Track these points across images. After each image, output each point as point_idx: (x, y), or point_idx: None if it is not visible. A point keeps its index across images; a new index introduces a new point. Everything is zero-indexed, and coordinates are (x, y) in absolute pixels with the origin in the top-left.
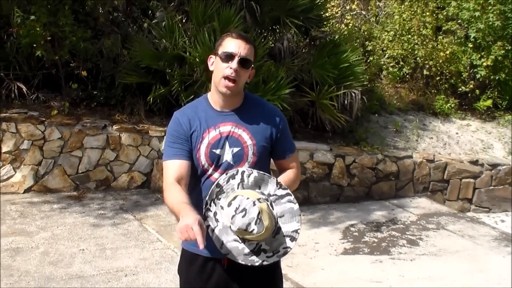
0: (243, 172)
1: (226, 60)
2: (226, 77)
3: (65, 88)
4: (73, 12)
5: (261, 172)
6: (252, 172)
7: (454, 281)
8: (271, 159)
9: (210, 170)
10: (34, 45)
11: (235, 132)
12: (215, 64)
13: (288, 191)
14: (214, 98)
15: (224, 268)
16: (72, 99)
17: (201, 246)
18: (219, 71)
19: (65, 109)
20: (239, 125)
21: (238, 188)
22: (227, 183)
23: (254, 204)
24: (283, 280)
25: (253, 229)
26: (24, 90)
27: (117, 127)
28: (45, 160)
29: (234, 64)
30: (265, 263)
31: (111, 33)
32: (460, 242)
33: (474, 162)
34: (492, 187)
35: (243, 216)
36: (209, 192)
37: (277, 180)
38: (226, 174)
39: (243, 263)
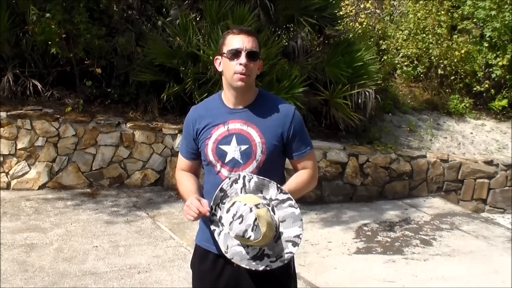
0: (244, 177)
1: (233, 57)
2: (237, 73)
3: (80, 86)
4: (87, 10)
5: (260, 177)
6: (252, 177)
7: (468, 282)
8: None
9: (218, 167)
10: (49, 42)
11: (243, 130)
12: (223, 64)
13: (289, 195)
14: (226, 95)
15: (234, 266)
16: (86, 96)
17: (192, 215)
18: (229, 69)
19: (79, 106)
20: (249, 123)
21: (241, 193)
22: (230, 187)
23: (251, 211)
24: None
25: (250, 236)
26: (39, 87)
27: (131, 124)
28: (59, 157)
29: (242, 59)
30: (268, 268)
31: (125, 31)
32: (474, 243)
33: (489, 162)
34: (507, 188)
35: (240, 223)
36: (214, 197)
37: (277, 184)
38: (229, 178)
39: (247, 267)
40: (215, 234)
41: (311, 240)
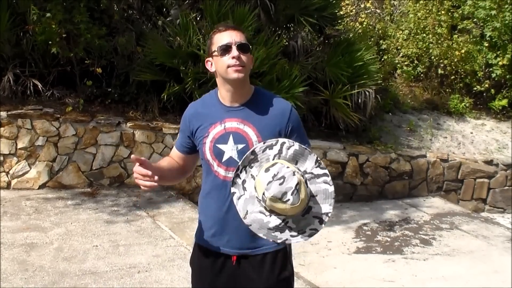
0: (283, 143)
1: (224, 53)
2: (231, 66)
3: (80, 85)
4: (88, 10)
5: (302, 146)
6: (293, 145)
7: (468, 281)
8: None
9: (215, 166)
10: (50, 42)
11: (240, 128)
12: (215, 63)
13: (326, 171)
14: (222, 94)
15: (233, 264)
16: (87, 96)
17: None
18: (222, 65)
19: (80, 106)
20: (245, 121)
21: (273, 159)
22: (262, 152)
23: (294, 174)
24: (295, 278)
25: (288, 199)
26: (39, 87)
27: (131, 124)
28: (59, 156)
29: (234, 52)
30: (287, 241)
31: (126, 30)
32: (474, 243)
33: (489, 162)
34: (507, 187)
35: (280, 184)
36: (243, 158)
37: (317, 157)
38: (264, 142)
39: (264, 237)
40: (234, 198)
41: (311, 240)
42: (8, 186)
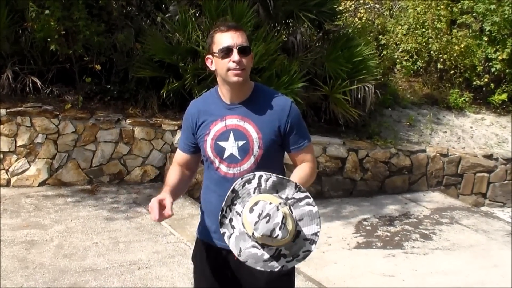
0: (260, 177)
1: (225, 55)
2: (232, 70)
3: (79, 82)
4: (86, 6)
5: (280, 176)
6: (271, 176)
7: (468, 275)
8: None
9: (217, 163)
10: (48, 39)
11: (240, 125)
12: (215, 63)
13: (307, 193)
14: (222, 91)
15: (235, 259)
16: (86, 93)
17: (154, 218)
18: (223, 68)
19: (79, 103)
20: (245, 118)
21: (254, 193)
22: (242, 187)
23: (278, 209)
24: (295, 273)
25: (278, 235)
26: (38, 84)
27: (131, 121)
28: (59, 153)
29: (235, 56)
30: (284, 268)
31: (125, 27)
32: (474, 237)
33: (489, 157)
34: (507, 182)
35: (267, 222)
36: (225, 198)
37: (296, 183)
38: (242, 178)
39: (262, 269)
40: (225, 237)
41: None
42: (7, 183)
